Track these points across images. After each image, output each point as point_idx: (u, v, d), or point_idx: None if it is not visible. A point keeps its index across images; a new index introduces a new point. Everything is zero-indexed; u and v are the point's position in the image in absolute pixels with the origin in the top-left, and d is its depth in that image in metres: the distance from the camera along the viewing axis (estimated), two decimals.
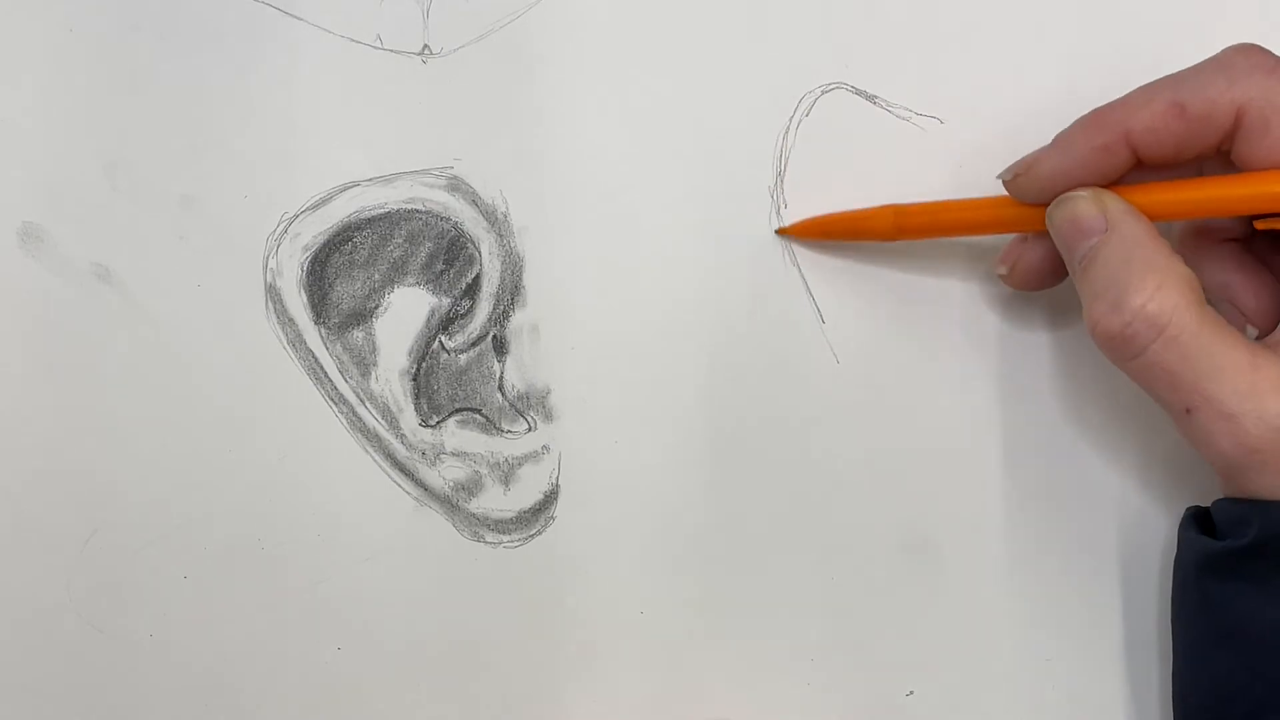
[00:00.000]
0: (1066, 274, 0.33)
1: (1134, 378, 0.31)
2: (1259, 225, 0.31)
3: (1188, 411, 0.30)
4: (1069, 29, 0.37)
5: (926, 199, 0.35)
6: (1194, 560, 0.32)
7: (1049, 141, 0.32)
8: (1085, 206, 0.31)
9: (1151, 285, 0.30)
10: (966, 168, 0.36)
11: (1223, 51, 0.31)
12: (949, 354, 0.37)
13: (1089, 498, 0.37)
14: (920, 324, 0.37)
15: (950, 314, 0.37)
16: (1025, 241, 0.34)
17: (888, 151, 0.37)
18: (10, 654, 0.37)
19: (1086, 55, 0.36)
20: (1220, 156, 0.31)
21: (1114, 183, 0.32)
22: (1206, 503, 0.33)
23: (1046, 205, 0.32)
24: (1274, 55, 0.30)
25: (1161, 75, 0.31)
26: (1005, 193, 0.33)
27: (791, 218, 0.37)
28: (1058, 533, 0.37)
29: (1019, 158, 0.33)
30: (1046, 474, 0.37)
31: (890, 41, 0.37)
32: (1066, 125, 0.32)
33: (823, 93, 0.37)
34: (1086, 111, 0.32)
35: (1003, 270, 0.35)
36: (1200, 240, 0.34)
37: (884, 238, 0.35)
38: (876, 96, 0.37)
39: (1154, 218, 0.31)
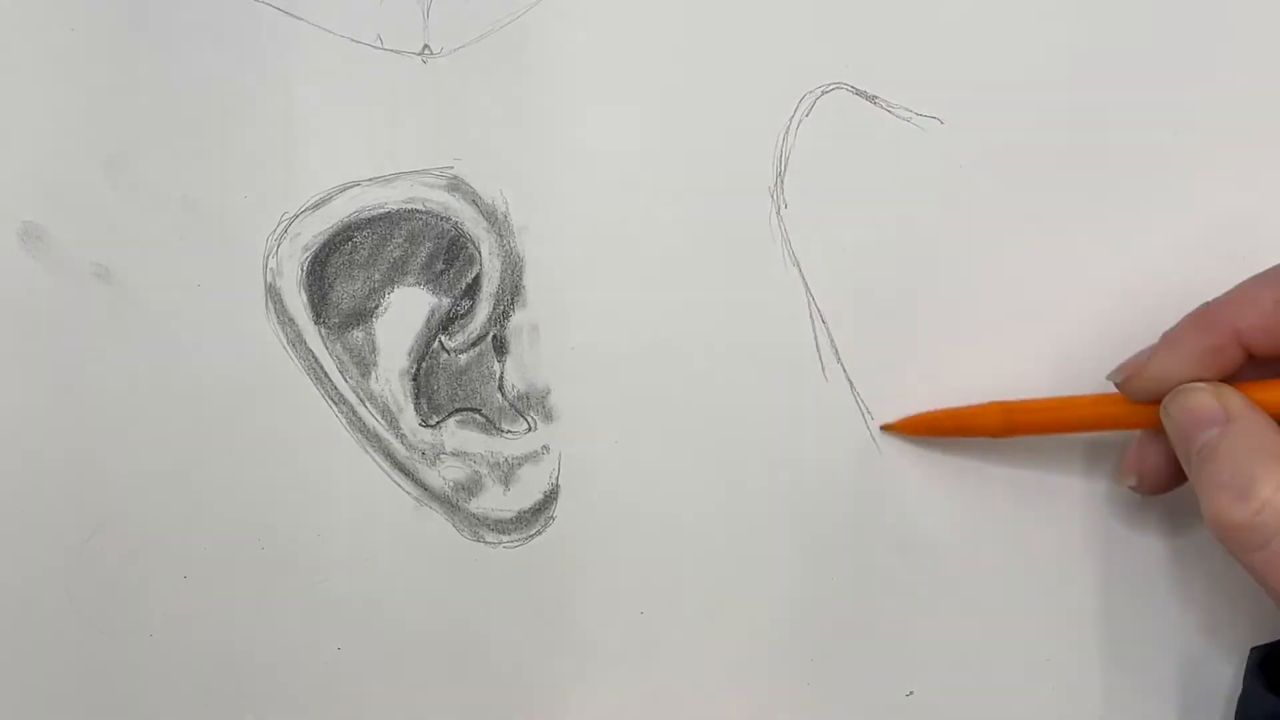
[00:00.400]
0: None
1: (1253, 569, 0.30)
2: None
3: None
4: (1071, 29, 0.36)
5: (930, 202, 0.35)
6: (1265, 717, 0.31)
7: (1158, 339, 0.32)
8: (1204, 399, 0.31)
9: (1278, 479, 0.29)
10: (967, 169, 0.36)
11: None
12: (951, 350, 0.37)
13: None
14: (916, 324, 0.37)
15: (960, 304, 0.37)
16: (1145, 446, 0.34)
17: (888, 152, 0.36)
18: (10, 652, 0.37)
19: (1089, 56, 0.36)
20: None
21: (1230, 378, 0.32)
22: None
23: (1159, 402, 0.32)
24: None
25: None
26: (1113, 389, 0.33)
27: (791, 218, 0.37)
28: (1056, 528, 0.37)
29: (1128, 356, 0.33)
30: (1047, 485, 0.37)
31: (891, 42, 0.37)
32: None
33: (823, 93, 0.37)
34: (1192, 306, 0.32)
35: (1131, 481, 0.35)
36: None
37: (993, 434, 0.35)
38: (877, 97, 0.37)
39: (1274, 414, 0.31)
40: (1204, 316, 0.32)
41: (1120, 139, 0.36)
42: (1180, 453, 0.32)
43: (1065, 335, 0.37)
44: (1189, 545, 0.37)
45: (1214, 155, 0.36)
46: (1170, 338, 0.32)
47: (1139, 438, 0.34)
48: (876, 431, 0.37)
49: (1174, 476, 0.34)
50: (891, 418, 0.37)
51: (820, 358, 0.37)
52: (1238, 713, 0.32)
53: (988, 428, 0.35)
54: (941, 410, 0.36)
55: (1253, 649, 0.33)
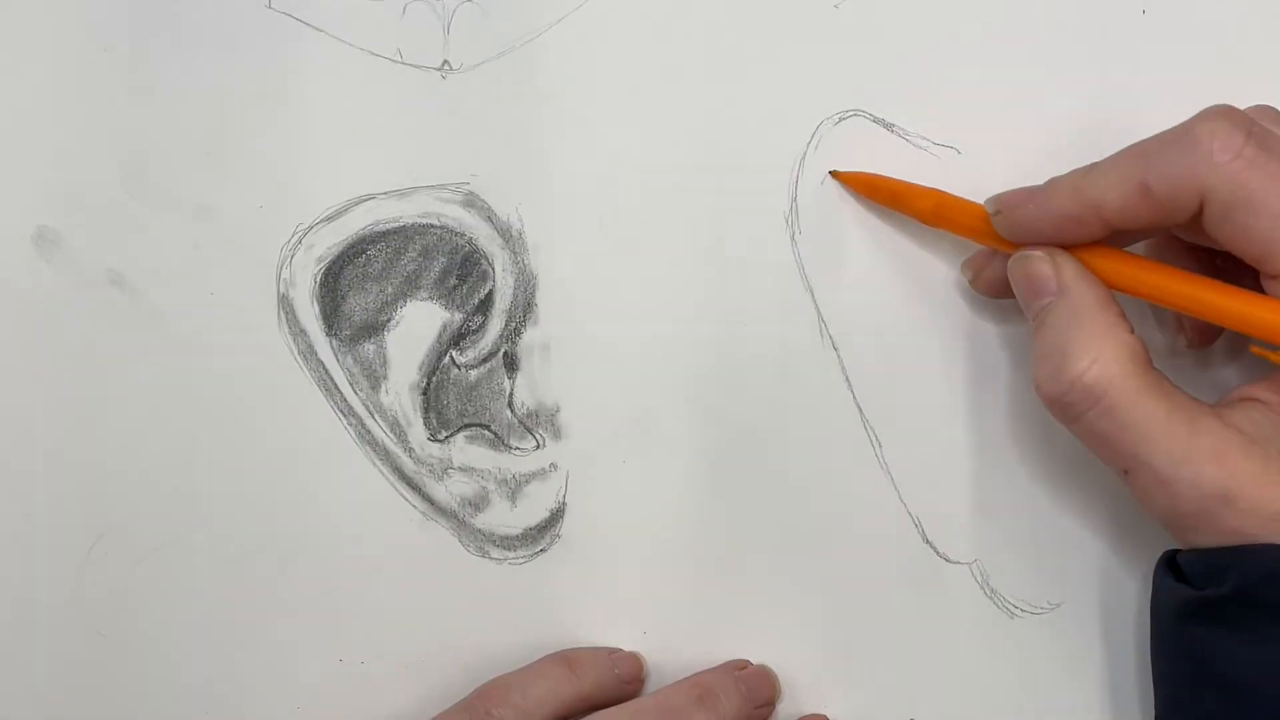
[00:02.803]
0: None
1: (1078, 438, 0.32)
2: (1254, 350, 0.31)
3: (1125, 473, 0.31)
4: (1088, 61, 0.37)
5: (945, 235, 0.36)
6: (1174, 607, 0.32)
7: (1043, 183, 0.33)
8: (1040, 267, 0.32)
9: (1089, 357, 0.30)
10: (983, 199, 0.36)
11: (1193, 121, 0.30)
12: (960, 378, 0.37)
13: (1078, 533, 0.37)
14: (933, 353, 0.37)
15: (969, 333, 0.37)
16: (986, 257, 0.35)
17: (904, 180, 0.37)
18: (16, 658, 0.37)
19: (1105, 88, 0.37)
20: (1193, 227, 0.31)
21: (1091, 244, 0.32)
22: None
23: (1019, 248, 0.33)
24: (1244, 126, 0.30)
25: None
26: None
27: (805, 244, 0.37)
28: (1059, 563, 0.37)
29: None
30: (1060, 508, 0.37)
31: (908, 70, 0.37)
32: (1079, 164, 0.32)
33: (840, 120, 0.37)
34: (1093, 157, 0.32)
35: (968, 275, 0.36)
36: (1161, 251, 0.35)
37: (922, 219, 0.35)
38: (894, 125, 0.37)
39: (1113, 286, 0.32)
40: (1070, 185, 0.32)
41: None
42: (1028, 317, 0.33)
43: None
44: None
45: None
46: (1048, 191, 0.32)
47: (985, 251, 0.35)
48: (885, 457, 0.37)
49: (1006, 289, 0.34)
50: (897, 443, 0.37)
51: (831, 382, 0.37)
52: (1151, 610, 0.33)
53: (920, 210, 0.35)
54: (886, 177, 0.36)
55: (1164, 552, 0.33)
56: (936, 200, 0.35)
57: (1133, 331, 0.31)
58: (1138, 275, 0.32)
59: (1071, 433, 0.32)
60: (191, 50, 0.37)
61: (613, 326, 0.37)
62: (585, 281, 0.37)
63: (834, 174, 0.37)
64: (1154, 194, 0.30)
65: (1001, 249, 0.34)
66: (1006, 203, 0.33)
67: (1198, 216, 0.30)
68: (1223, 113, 0.30)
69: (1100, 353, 0.31)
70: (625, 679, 0.36)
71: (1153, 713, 0.33)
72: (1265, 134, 0.30)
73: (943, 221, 0.35)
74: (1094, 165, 0.32)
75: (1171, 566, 0.32)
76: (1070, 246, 0.32)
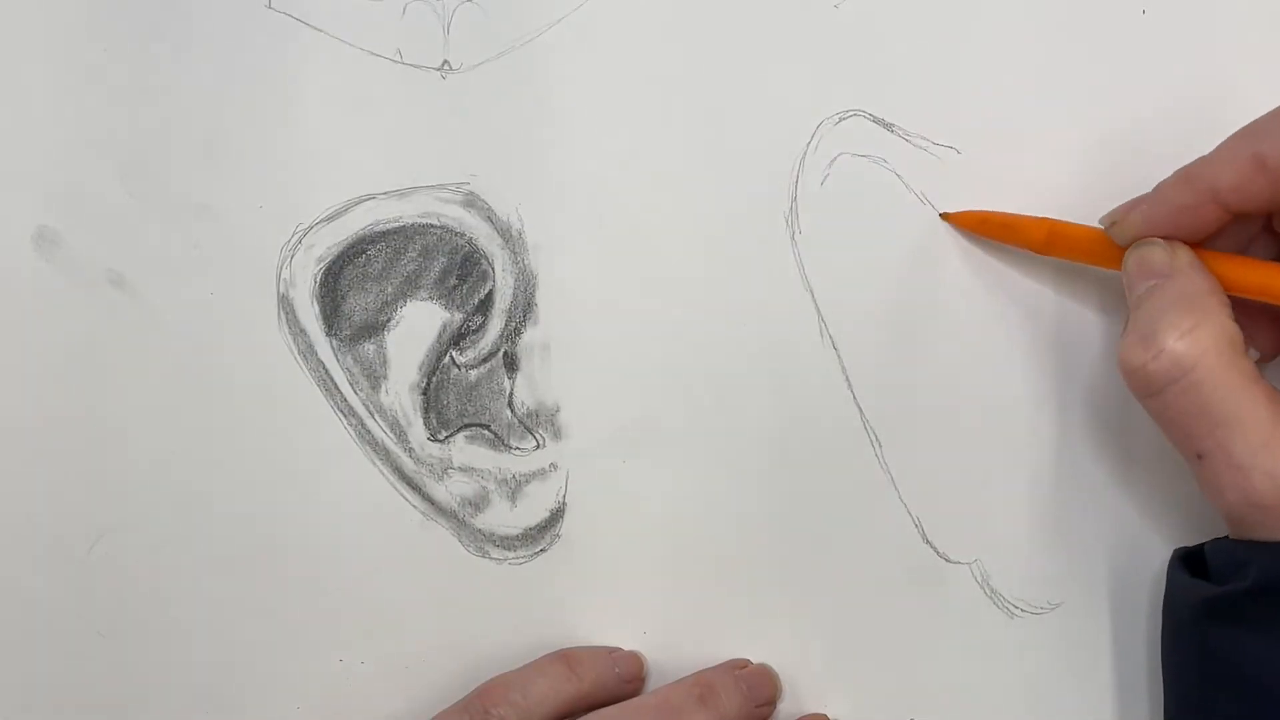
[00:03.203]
0: None
1: (1152, 415, 0.31)
2: None
3: (1199, 457, 0.30)
4: (1088, 61, 0.36)
5: (946, 234, 0.36)
6: (1188, 604, 0.31)
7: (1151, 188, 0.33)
8: (1156, 252, 0.32)
9: (1185, 326, 0.30)
10: (983, 199, 0.36)
11: None
12: (960, 378, 0.37)
13: (1078, 533, 0.37)
14: (933, 353, 0.37)
15: (969, 334, 0.37)
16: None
17: (904, 179, 0.37)
18: (16, 657, 0.37)
19: (1105, 88, 0.36)
20: None
21: (1211, 237, 0.32)
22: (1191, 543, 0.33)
23: None
24: None
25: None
26: None
27: (805, 244, 0.37)
28: (1060, 562, 0.37)
29: (1117, 203, 0.33)
30: (1054, 504, 0.37)
31: (908, 70, 0.37)
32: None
33: (840, 120, 0.37)
34: (1177, 171, 0.32)
35: (1109, 221, 0.34)
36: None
37: (1035, 249, 0.35)
38: (894, 125, 0.37)
39: (1230, 288, 0.32)
40: (1183, 175, 0.32)
41: (1136, 171, 0.36)
42: (1129, 303, 0.32)
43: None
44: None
45: None
46: (1159, 189, 0.32)
47: None
48: (885, 457, 0.37)
49: None
50: (896, 443, 0.37)
51: (831, 382, 0.37)
52: (1164, 606, 0.33)
53: (1032, 241, 0.35)
54: (994, 212, 0.36)
55: (1175, 550, 0.33)
56: (1049, 229, 0.35)
57: (1234, 320, 0.31)
58: (1250, 272, 0.32)
59: (1147, 408, 0.31)
60: (191, 50, 0.37)
61: (613, 326, 0.37)
62: (585, 281, 0.37)
63: (944, 216, 0.36)
64: (1270, 165, 0.30)
65: (1120, 269, 0.33)
66: (1119, 212, 0.33)
67: None
68: None
69: (1196, 326, 0.30)
70: (625, 678, 0.36)
71: (1154, 713, 0.33)
72: None
73: (1057, 249, 0.35)
74: (1204, 155, 0.31)
75: (1186, 563, 0.32)
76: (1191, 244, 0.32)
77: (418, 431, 0.37)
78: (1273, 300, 0.32)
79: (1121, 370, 0.31)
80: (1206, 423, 0.30)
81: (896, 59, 0.37)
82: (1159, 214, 0.32)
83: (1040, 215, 0.35)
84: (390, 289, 0.37)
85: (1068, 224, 0.35)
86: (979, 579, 0.37)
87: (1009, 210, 0.36)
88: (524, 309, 0.37)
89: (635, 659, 0.37)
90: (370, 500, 0.37)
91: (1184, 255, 0.32)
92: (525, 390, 0.37)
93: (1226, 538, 0.31)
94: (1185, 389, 0.30)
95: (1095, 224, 0.34)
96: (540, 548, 0.37)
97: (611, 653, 0.37)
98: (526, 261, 0.37)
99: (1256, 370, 0.30)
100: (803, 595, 0.37)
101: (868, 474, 0.37)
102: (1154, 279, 0.32)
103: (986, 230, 0.36)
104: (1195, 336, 0.30)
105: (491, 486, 0.37)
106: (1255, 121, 0.31)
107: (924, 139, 0.37)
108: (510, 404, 0.37)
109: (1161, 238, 0.32)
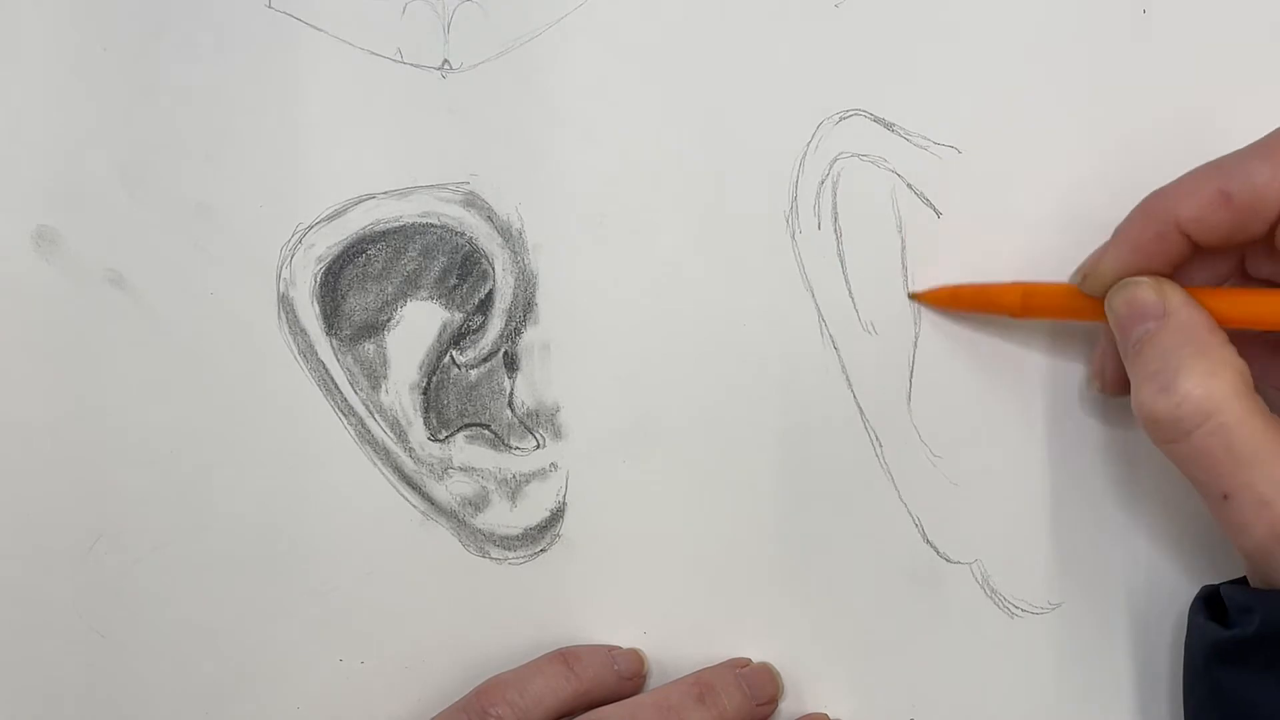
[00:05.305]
0: None
1: (1175, 460, 0.31)
2: None
3: (1225, 497, 0.30)
4: (1088, 61, 0.36)
5: (945, 232, 0.35)
6: (1201, 647, 0.32)
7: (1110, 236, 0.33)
8: (1144, 292, 0.32)
9: (1203, 371, 0.30)
10: (983, 198, 0.36)
11: (1271, 135, 0.31)
12: (960, 378, 0.37)
13: (1078, 533, 0.37)
14: (933, 352, 0.37)
15: (968, 334, 0.37)
16: (1107, 347, 0.34)
17: (905, 179, 0.37)
18: (15, 658, 0.37)
19: (1105, 88, 0.36)
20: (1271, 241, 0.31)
21: (1176, 268, 0.32)
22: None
23: None
24: None
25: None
26: None
27: (805, 244, 0.37)
28: (1060, 562, 0.37)
29: (1084, 257, 0.33)
30: (1060, 508, 0.37)
31: (908, 70, 0.37)
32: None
33: (840, 120, 0.37)
34: (1142, 200, 0.32)
35: (1096, 385, 0.35)
36: None
37: (1012, 314, 0.35)
38: (894, 125, 0.37)
39: (1219, 320, 0.31)
40: (1145, 207, 0.32)
41: (1136, 171, 0.36)
42: (1121, 346, 0.32)
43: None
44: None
45: None
46: (1118, 232, 0.32)
47: (1101, 342, 0.35)
48: (885, 457, 0.37)
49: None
50: (897, 443, 0.37)
51: (831, 382, 0.37)
52: (1185, 648, 0.33)
53: (1008, 306, 0.35)
54: (966, 285, 0.36)
55: (1201, 588, 0.33)
56: (1022, 291, 0.35)
57: (1239, 356, 0.31)
58: (1241, 301, 0.32)
59: (1169, 454, 0.31)
60: (192, 49, 0.37)
61: (613, 326, 0.37)
62: (585, 281, 0.37)
63: (913, 296, 0.36)
64: (1235, 201, 0.30)
65: (1100, 319, 0.33)
66: (1088, 265, 0.33)
67: (1275, 227, 0.30)
68: None
69: (1214, 368, 0.30)
70: (625, 675, 0.36)
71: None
72: None
73: (1033, 310, 0.35)
74: (1168, 185, 0.32)
75: (1207, 604, 0.32)
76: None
77: (418, 431, 0.37)
78: (1273, 327, 0.32)
79: (1143, 420, 0.31)
80: (1231, 463, 0.30)
81: (896, 59, 0.37)
82: (1125, 254, 0.32)
83: (1020, 269, 0.35)
84: (390, 289, 0.37)
85: (1041, 285, 0.35)
86: (979, 579, 0.37)
87: (981, 281, 0.36)
88: (524, 309, 0.37)
89: (635, 656, 0.37)
90: (370, 500, 0.37)
91: (1177, 293, 0.32)
92: (525, 390, 0.37)
93: (1241, 581, 0.32)
94: (1212, 431, 0.30)
95: (1071, 275, 0.34)
96: (540, 548, 0.37)
97: (611, 650, 0.37)
98: (526, 261, 0.37)
99: (1267, 409, 0.30)
100: (803, 595, 0.37)
101: (868, 474, 0.37)
102: (1149, 320, 0.31)
103: (960, 304, 0.36)
104: (1215, 380, 0.30)
105: (491, 486, 0.37)
106: (1225, 157, 0.31)
107: (924, 138, 0.37)
108: (510, 404, 0.37)
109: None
